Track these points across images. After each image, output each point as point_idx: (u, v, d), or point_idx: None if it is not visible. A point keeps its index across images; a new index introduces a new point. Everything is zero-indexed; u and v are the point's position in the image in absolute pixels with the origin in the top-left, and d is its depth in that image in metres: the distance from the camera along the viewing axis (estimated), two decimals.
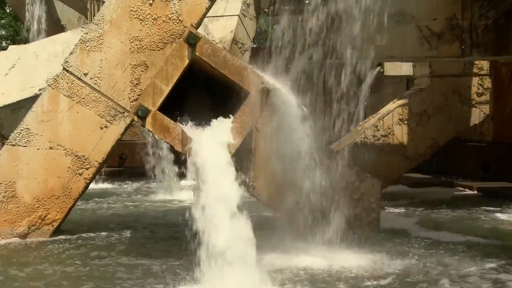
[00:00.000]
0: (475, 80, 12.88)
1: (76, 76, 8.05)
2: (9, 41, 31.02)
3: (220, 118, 6.59)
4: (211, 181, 5.97)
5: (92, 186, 9.68)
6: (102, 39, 8.02)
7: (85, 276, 6.27)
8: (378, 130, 12.53)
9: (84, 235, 8.20)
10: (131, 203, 11.60)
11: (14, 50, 13.84)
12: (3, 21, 32.51)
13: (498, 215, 10.16)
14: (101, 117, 8.06)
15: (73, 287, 5.96)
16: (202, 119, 6.64)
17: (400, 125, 12.51)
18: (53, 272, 6.40)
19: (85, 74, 8.04)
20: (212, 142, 6.32)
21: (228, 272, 5.59)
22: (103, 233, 8.32)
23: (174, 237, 8.16)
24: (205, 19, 10.61)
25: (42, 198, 8.04)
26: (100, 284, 5.99)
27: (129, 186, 14.65)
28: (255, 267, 5.71)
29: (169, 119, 6.78)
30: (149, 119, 6.80)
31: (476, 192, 13.10)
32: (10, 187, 7.98)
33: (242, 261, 5.65)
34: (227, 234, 5.69)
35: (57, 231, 8.14)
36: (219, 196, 5.87)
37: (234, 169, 6.09)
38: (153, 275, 6.26)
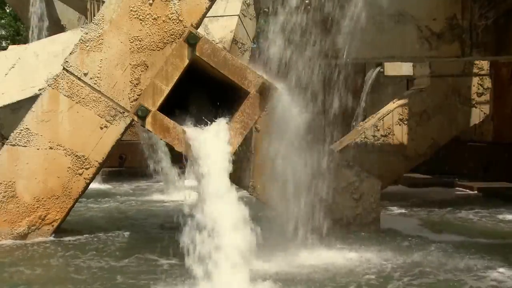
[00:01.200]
0: (475, 80, 12.88)
1: (76, 76, 8.05)
2: (9, 41, 31.01)
3: (220, 119, 6.60)
4: (212, 182, 5.99)
5: (92, 186, 9.67)
6: (102, 39, 8.02)
7: (41, 280, 6.21)
8: (378, 130, 12.53)
9: (80, 236, 8.18)
10: (130, 204, 11.60)
11: (14, 50, 13.82)
12: (3, 21, 32.49)
13: (498, 215, 10.16)
14: (101, 117, 8.06)
15: None
16: (202, 119, 6.63)
17: (400, 125, 12.51)
18: (10, 276, 6.33)
19: (85, 74, 8.04)
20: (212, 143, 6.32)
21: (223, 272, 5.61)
22: (97, 234, 8.28)
23: (170, 238, 8.14)
24: (205, 19, 10.61)
25: (42, 198, 8.04)
26: None
27: (129, 186, 14.64)
28: (250, 267, 5.73)
29: (169, 119, 6.78)
30: (149, 119, 6.80)
31: (476, 192, 13.10)
32: (10, 187, 7.97)
33: (237, 261, 5.67)
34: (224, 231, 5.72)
35: (57, 231, 8.13)
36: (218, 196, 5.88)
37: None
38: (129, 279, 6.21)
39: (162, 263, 6.75)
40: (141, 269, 6.55)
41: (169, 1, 7.92)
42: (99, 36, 8.02)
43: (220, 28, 15.69)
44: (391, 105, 12.88)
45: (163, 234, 8.53)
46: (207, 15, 8.42)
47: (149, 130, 6.96)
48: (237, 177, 7.56)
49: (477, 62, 12.68)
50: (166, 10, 7.93)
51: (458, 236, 8.41)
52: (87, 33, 8.09)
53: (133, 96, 7.99)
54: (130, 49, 7.99)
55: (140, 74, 7.99)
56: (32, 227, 8.02)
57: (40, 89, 11.22)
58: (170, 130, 6.74)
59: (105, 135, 8.08)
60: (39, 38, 16.65)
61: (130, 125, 8.29)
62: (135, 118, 6.92)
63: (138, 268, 6.59)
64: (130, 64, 8.00)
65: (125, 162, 16.63)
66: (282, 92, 6.87)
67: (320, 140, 8.09)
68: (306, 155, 7.27)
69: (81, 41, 8.08)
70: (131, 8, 7.94)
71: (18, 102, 12.20)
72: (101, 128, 8.07)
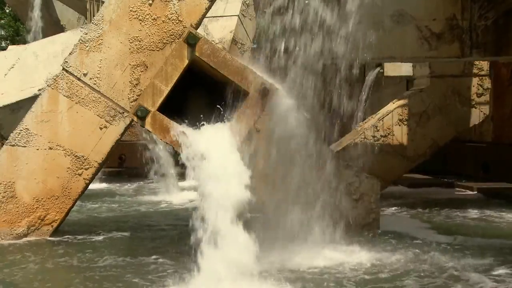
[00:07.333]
0: (474, 80, 12.88)
1: (76, 76, 8.04)
2: (8, 41, 31.02)
3: (220, 119, 6.60)
4: (214, 181, 5.99)
5: (92, 186, 9.67)
6: (102, 40, 8.01)
7: (38, 280, 6.18)
8: (378, 130, 12.53)
9: (79, 236, 8.16)
10: (130, 204, 11.59)
11: (13, 50, 13.82)
12: (2, 21, 32.51)
13: (498, 215, 10.16)
14: (101, 118, 8.05)
15: None
16: (202, 120, 6.62)
17: (399, 125, 12.51)
18: (6, 276, 6.31)
19: (85, 75, 8.03)
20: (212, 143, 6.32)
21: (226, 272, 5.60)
22: (96, 234, 8.28)
23: (169, 239, 8.15)
24: (205, 19, 10.61)
25: (42, 199, 8.03)
26: None
27: (129, 186, 14.63)
28: (254, 267, 5.72)
29: (168, 119, 6.77)
30: (148, 120, 6.79)
31: (476, 192, 13.10)
32: (9, 187, 7.97)
33: (241, 261, 5.66)
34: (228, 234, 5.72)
35: (56, 232, 8.13)
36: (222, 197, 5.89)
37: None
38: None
39: (161, 263, 6.74)
40: (140, 269, 6.54)
41: (168, 1, 7.91)
42: (99, 36, 8.01)
43: (220, 29, 15.68)
44: (390, 106, 12.88)
45: (162, 235, 8.53)
46: (206, 16, 8.42)
47: (148, 131, 6.95)
48: None
49: (477, 62, 12.67)
50: (165, 10, 7.93)
51: (458, 236, 8.40)
52: (86, 34, 8.09)
53: (132, 97, 7.98)
54: (129, 49, 7.98)
55: (140, 75, 7.99)
56: (32, 228, 8.01)
57: (39, 90, 11.21)
58: (170, 130, 6.73)
59: (105, 136, 8.08)
60: (38, 38, 16.64)
61: (129, 126, 8.28)
62: (135, 119, 6.91)
63: (137, 268, 6.58)
64: (130, 65, 7.99)
65: (125, 162, 16.62)
66: (282, 93, 6.86)
67: (320, 140, 8.08)
68: (306, 156, 7.27)
69: (80, 41, 8.07)
70: (131, 9, 7.93)
71: (18, 102, 12.20)
72: (101, 129, 8.06)
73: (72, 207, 8.25)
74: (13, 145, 8.05)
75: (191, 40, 6.92)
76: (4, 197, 7.96)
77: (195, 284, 5.64)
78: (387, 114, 12.61)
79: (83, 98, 8.05)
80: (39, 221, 8.03)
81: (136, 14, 7.94)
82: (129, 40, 7.97)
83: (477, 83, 12.87)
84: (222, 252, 5.71)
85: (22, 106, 11.48)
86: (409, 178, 14.29)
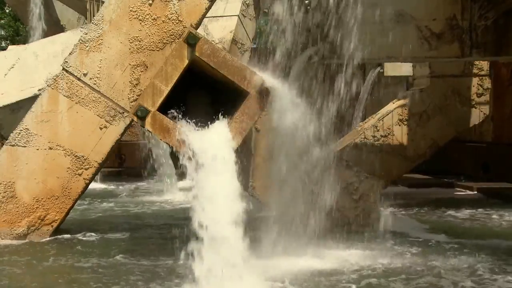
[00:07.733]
0: (475, 80, 12.89)
1: (76, 76, 8.04)
2: (8, 41, 31.02)
3: (220, 119, 6.59)
4: (211, 181, 5.99)
5: (91, 186, 9.66)
6: (102, 40, 8.01)
7: (37, 280, 6.16)
8: (378, 130, 12.53)
9: (79, 236, 8.15)
10: (128, 204, 11.58)
11: (13, 50, 13.82)
12: (2, 21, 32.50)
13: (498, 215, 10.16)
14: (101, 118, 8.05)
15: None
16: (202, 120, 6.62)
17: (400, 125, 12.52)
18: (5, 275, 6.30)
19: (85, 75, 8.03)
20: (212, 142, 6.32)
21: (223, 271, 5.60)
22: (96, 234, 8.26)
23: (169, 238, 8.13)
24: (205, 19, 10.60)
25: (42, 199, 8.03)
26: None
27: (128, 186, 14.62)
28: (252, 266, 5.72)
29: (168, 119, 6.76)
30: (148, 120, 6.78)
31: (475, 192, 13.10)
32: (9, 187, 7.97)
33: (239, 259, 5.66)
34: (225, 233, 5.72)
35: (56, 231, 8.12)
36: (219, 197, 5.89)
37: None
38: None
39: (160, 263, 6.73)
40: (138, 269, 6.53)
41: (168, 1, 7.91)
42: (99, 36, 8.01)
43: (220, 29, 15.66)
44: (391, 106, 12.89)
45: (157, 235, 8.53)
46: (206, 16, 8.42)
47: (148, 131, 6.94)
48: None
49: (477, 62, 12.68)
50: (165, 10, 7.92)
51: (458, 236, 8.41)
52: (86, 34, 8.09)
53: (132, 97, 7.98)
54: (129, 49, 7.98)
55: (140, 75, 7.99)
56: (32, 228, 8.01)
57: (39, 90, 11.20)
58: (170, 130, 6.72)
59: (105, 136, 8.08)
60: (38, 38, 16.64)
61: (129, 126, 8.29)
62: (135, 119, 6.90)
63: (136, 268, 6.57)
64: (130, 65, 7.99)
65: (125, 162, 16.62)
66: (282, 92, 6.86)
67: (320, 140, 8.08)
68: (306, 155, 7.27)
69: (80, 41, 8.07)
70: (131, 9, 7.93)
71: (18, 102, 12.19)
72: (101, 129, 8.06)
73: (72, 207, 8.25)
74: (13, 145, 8.05)
75: (191, 40, 6.92)
76: (4, 197, 7.96)
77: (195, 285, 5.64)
78: (387, 114, 12.61)
79: (83, 98, 8.05)
80: (39, 221, 8.03)
81: (136, 14, 7.94)
82: (129, 40, 7.97)
83: (477, 83, 12.88)
84: (217, 252, 5.70)
85: (22, 106, 11.47)
86: (409, 178, 14.29)
